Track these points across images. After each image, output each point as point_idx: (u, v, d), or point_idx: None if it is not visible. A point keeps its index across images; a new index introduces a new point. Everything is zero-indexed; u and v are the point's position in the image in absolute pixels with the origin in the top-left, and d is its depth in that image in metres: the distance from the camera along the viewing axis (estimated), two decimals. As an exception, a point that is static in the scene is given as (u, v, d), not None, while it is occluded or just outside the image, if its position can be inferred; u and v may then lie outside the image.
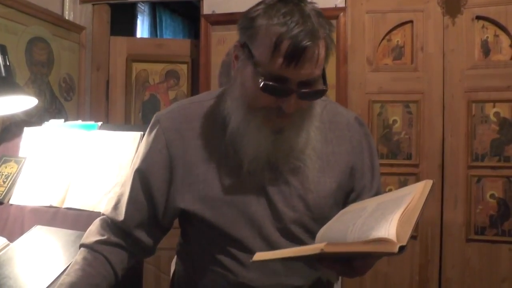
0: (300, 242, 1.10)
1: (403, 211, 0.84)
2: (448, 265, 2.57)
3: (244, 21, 1.01)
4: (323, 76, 1.01)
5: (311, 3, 1.00)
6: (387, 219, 0.84)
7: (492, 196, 2.52)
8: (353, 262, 0.91)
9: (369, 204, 1.00)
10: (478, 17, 2.54)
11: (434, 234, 2.58)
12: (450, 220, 2.56)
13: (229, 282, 1.11)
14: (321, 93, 1.00)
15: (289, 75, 0.94)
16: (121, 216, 1.13)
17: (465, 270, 2.54)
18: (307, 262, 0.98)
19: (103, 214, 1.19)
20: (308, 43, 0.92)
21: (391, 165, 2.62)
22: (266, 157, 1.05)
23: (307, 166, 1.09)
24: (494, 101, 2.52)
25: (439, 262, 2.58)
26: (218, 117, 1.12)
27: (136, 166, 1.14)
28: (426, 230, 2.59)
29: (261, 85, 0.94)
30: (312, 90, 0.98)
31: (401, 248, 0.77)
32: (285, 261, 1.06)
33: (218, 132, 1.10)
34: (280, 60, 0.93)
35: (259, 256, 0.93)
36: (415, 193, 0.88)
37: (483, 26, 2.54)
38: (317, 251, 0.79)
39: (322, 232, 1.01)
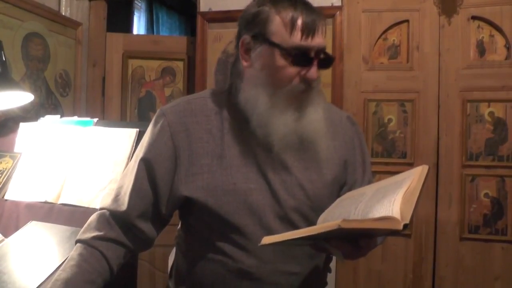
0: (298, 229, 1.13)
1: (405, 192, 0.89)
2: (441, 263, 2.58)
3: (246, 16, 1.13)
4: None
5: None
6: (389, 199, 0.89)
7: (486, 195, 2.54)
8: (358, 241, 0.96)
9: (367, 189, 1.05)
10: (474, 17, 2.56)
11: (428, 233, 2.60)
12: (444, 219, 2.58)
13: (229, 269, 1.14)
14: (333, 59, 1.16)
15: (308, 45, 1.07)
16: (123, 206, 1.14)
17: (459, 268, 2.56)
18: (314, 245, 1.02)
19: (100, 209, 1.20)
20: (316, 17, 1.08)
21: (386, 163, 2.64)
22: (293, 133, 1.13)
23: (316, 152, 1.17)
24: (489, 101, 2.53)
25: (433, 260, 2.60)
26: (222, 112, 1.18)
27: (140, 156, 1.16)
28: (420, 228, 2.60)
29: (290, 58, 1.07)
30: (327, 56, 1.13)
31: (405, 226, 0.83)
32: (291, 245, 1.10)
33: (223, 126, 1.16)
34: (299, 34, 1.06)
35: (268, 239, 0.95)
36: (414, 177, 0.93)
37: (478, 26, 2.56)
38: (335, 227, 0.83)
39: (324, 216, 1.07)
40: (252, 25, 1.11)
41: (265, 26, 1.09)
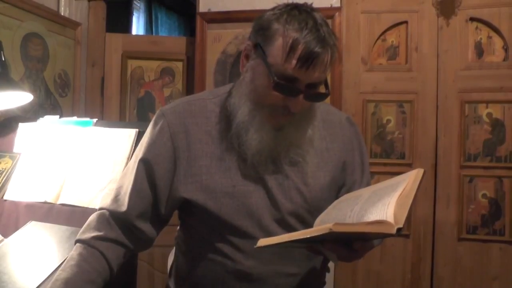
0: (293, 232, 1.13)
1: (399, 196, 0.89)
2: (440, 263, 2.59)
3: (259, 23, 1.09)
4: (326, 81, 1.09)
5: (318, 11, 1.07)
6: (384, 203, 0.89)
7: (484, 195, 2.55)
8: (353, 244, 0.96)
9: (364, 192, 1.05)
10: (472, 19, 2.57)
11: (426, 233, 2.61)
12: (442, 219, 2.58)
13: (228, 270, 1.15)
14: (325, 96, 1.09)
15: (299, 77, 1.02)
16: (123, 206, 1.15)
17: (457, 268, 2.57)
18: (309, 247, 1.02)
19: (100, 209, 1.20)
20: (320, 49, 1.01)
21: (385, 164, 2.65)
22: (268, 151, 1.11)
23: (305, 162, 1.15)
24: (487, 102, 2.54)
25: (431, 260, 2.61)
26: (222, 114, 1.17)
27: (140, 156, 1.17)
28: (419, 229, 2.61)
29: (273, 83, 1.02)
30: (318, 92, 1.08)
31: (398, 230, 0.83)
32: (286, 247, 1.10)
33: (221, 128, 1.16)
34: (293, 62, 1.01)
35: (263, 241, 0.96)
36: (408, 180, 0.93)
37: (476, 28, 2.57)
38: (326, 231, 0.83)
39: (321, 218, 1.07)
40: (258, 35, 1.07)
41: (267, 42, 1.04)
